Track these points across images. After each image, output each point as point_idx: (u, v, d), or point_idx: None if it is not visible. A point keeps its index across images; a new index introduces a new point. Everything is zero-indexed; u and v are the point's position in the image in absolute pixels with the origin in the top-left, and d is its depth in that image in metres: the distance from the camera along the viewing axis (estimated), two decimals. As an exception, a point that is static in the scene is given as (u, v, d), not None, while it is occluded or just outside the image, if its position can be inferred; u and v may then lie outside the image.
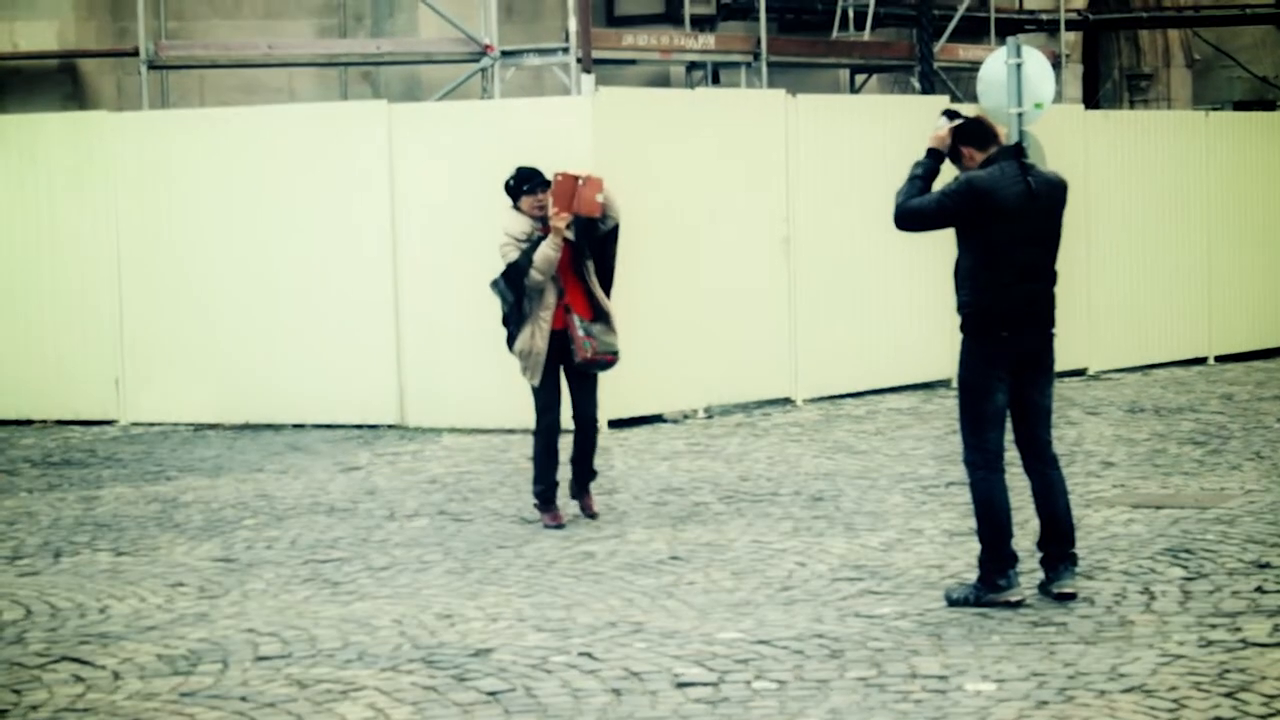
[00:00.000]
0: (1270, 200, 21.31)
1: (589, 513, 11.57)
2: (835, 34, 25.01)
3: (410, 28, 21.82)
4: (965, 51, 25.69)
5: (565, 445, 11.46)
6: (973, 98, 19.38)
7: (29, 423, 17.11)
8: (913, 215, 8.83)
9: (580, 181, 11.11)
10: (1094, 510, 11.30)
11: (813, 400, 17.29)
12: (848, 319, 17.62)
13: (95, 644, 8.57)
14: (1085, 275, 18.75)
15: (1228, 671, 7.56)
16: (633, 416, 15.90)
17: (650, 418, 16.08)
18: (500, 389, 14.49)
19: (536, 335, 11.20)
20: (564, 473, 11.60)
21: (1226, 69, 33.40)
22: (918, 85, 24.52)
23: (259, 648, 8.40)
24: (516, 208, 11.39)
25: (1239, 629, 8.25)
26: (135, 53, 20.38)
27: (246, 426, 16.45)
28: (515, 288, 11.19)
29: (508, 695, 7.50)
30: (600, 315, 11.35)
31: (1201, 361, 20.50)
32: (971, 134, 8.84)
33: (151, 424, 16.80)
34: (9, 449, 15.59)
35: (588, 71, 19.02)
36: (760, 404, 16.97)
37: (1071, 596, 8.86)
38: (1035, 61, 17.05)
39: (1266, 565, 9.58)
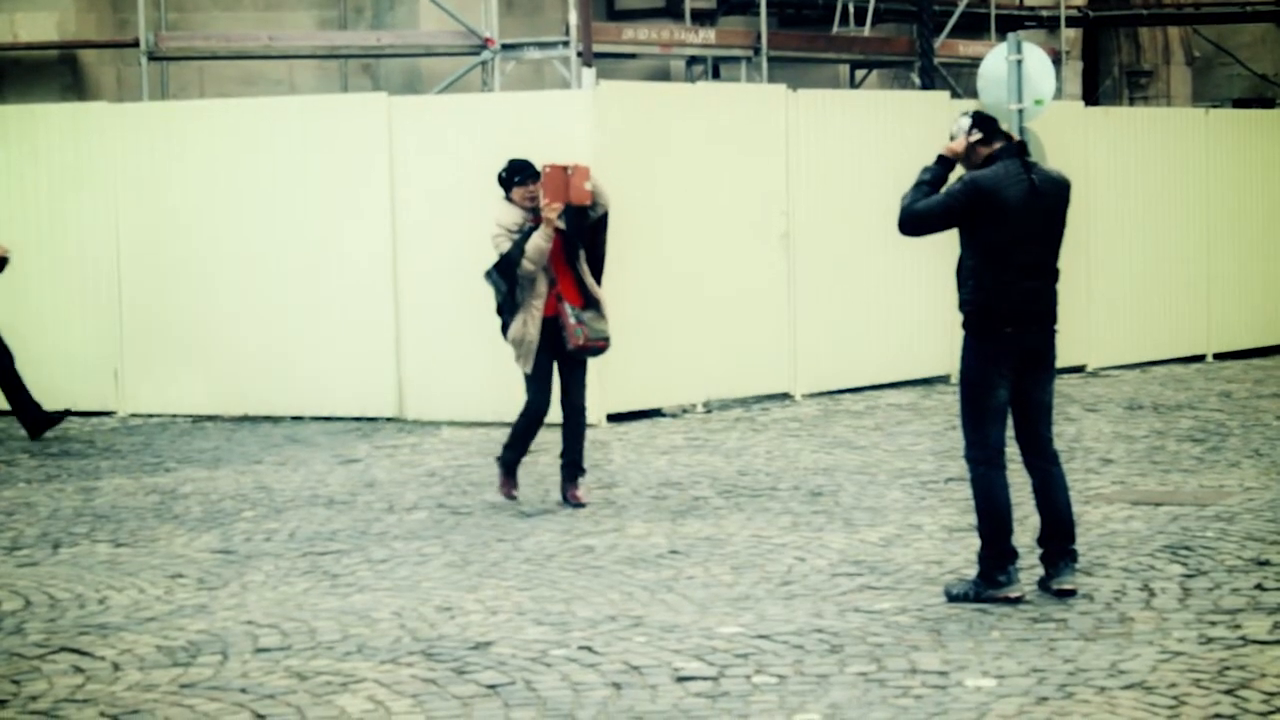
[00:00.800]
0: (1270, 198, 21.30)
1: (575, 503, 11.61)
2: (835, 29, 25.01)
3: (411, 20, 21.82)
4: (965, 47, 25.70)
5: (554, 441, 11.46)
6: (973, 94, 19.39)
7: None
8: (917, 218, 8.80)
9: (569, 171, 11.23)
10: (1093, 507, 11.30)
11: (812, 395, 17.28)
12: (847, 314, 17.60)
13: (94, 635, 8.57)
14: (1084, 271, 18.73)
15: (1227, 668, 7.56)
16: (631, 411, 15.90)
17: (649, 412, 16.07)
18: (499, 382, 14.47)
19: (529, 323, 11.35)
20: (557, 472, 11.71)
21: (1226, 66, 33.42)
22: (918, 81, 24.53)
23: (258, 639, 8.39)
24: (508, 199, 11.57)
25: (1239, 626, 8.25)
26: (135, 44, 20.38)
27: (245, 418, 16.44)
28: (508, 278, 11.38)
29: (507, 688, 7.50)
30: (591, 302, 11.52)
31: (1200, 359, 20.50)
32: (980, 126, 8.84)
33: (150, 415, 16.79)
34: (8, 439, 15.58)
35: (588, 65, 19.03)
36: (759, 399, 16.97)
37: (1071, 593, 8.86)
38: (1036, 58, 17.07)
39: (1266, 562, 9.58)
